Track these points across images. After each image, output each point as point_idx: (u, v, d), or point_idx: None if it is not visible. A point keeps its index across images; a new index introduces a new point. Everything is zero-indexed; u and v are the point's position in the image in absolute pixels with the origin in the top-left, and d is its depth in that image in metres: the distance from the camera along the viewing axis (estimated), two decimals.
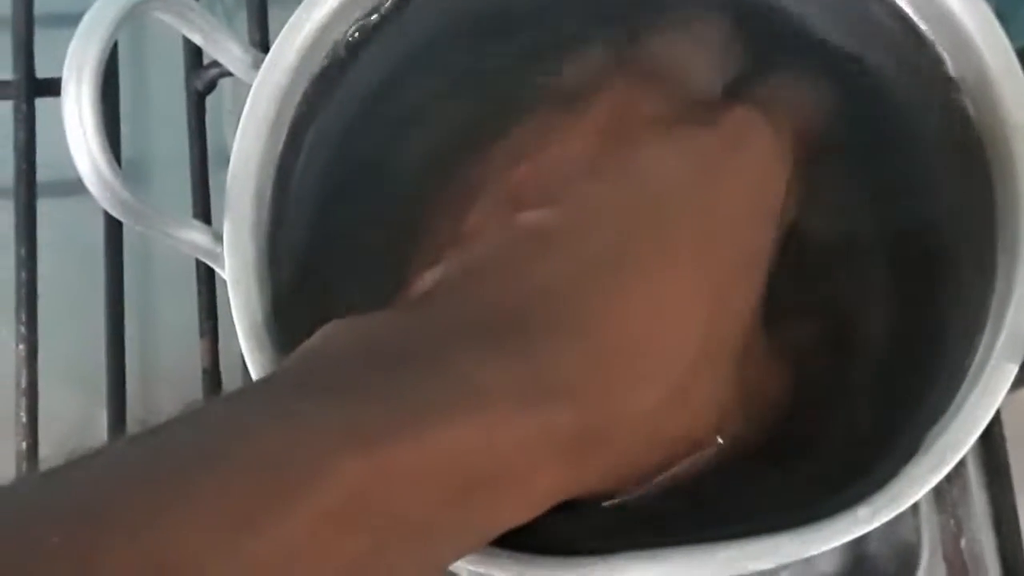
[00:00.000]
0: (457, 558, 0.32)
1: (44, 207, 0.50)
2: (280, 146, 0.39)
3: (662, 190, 0.37)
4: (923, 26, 0.39)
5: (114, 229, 0.50)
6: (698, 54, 0.41)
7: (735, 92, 0.40)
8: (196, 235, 0.38)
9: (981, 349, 0.35)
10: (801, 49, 0.41)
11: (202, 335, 0.49)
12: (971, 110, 0.38)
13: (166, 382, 0.52)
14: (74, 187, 0.35)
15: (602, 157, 0.38)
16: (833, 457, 0.37)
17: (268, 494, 0.27)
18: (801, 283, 0.38)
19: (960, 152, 0.38)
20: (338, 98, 0.40)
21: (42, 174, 0.50)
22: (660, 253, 0.36)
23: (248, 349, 0.36)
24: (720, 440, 0.36)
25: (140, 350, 0.51)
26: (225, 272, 0.37)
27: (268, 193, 0.38)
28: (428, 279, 0.36)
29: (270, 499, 0.27)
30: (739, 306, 0.37)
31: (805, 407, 0.37)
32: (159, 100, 0.56)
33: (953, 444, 0.34)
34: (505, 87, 0.41)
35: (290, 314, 0.38)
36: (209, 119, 0.52)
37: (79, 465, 0.27)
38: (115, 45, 0.34)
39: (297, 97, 0.39)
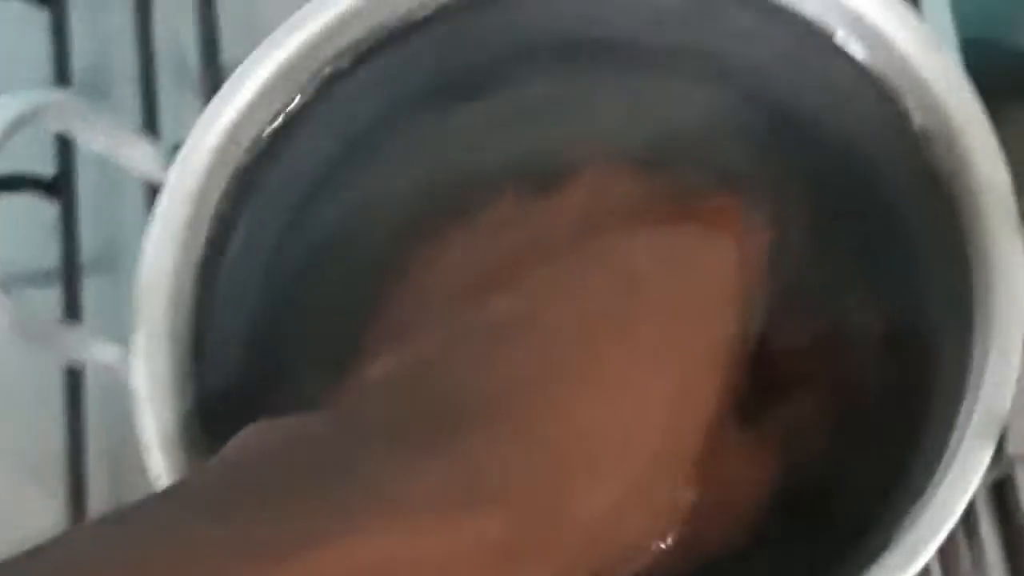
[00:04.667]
0: None
1: None
2: (200, 249, 0.37)
3: (625, 284, 0.35)
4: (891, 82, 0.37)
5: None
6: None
7: (707, 181, 0.38)
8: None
9: (956, 431, 0.33)
10: (770, 128, 0.39)
11: None
12: (942, 169, 0.36)
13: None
14: None
15: (564, 248, 0.36)
16: (807, 553, 0.35)
17: None
18: (775, 378, 0.37)
19: (934, 220, 0.36)
20: (267, 192, 0.39)
21: None
22: (618, 346, 0.34)
23: (153, 464, 0.35)
24: (669, 541, 0.34)
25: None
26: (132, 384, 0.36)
27: (187, 299, 0.37)
28: (365, 376, 0.35)
29: None
30: (701, 404, 0.35)
31: (779, 506, 0.36)
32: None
33: (925, 537, 0.31)
34: (456, 170, 0.40)
35: (218, 420, 0.36)
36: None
37: None
38: None
39: (216, 195, 0.37)
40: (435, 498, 0.30)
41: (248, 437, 0.32)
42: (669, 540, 0.34)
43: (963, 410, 0.33)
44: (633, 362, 0.34)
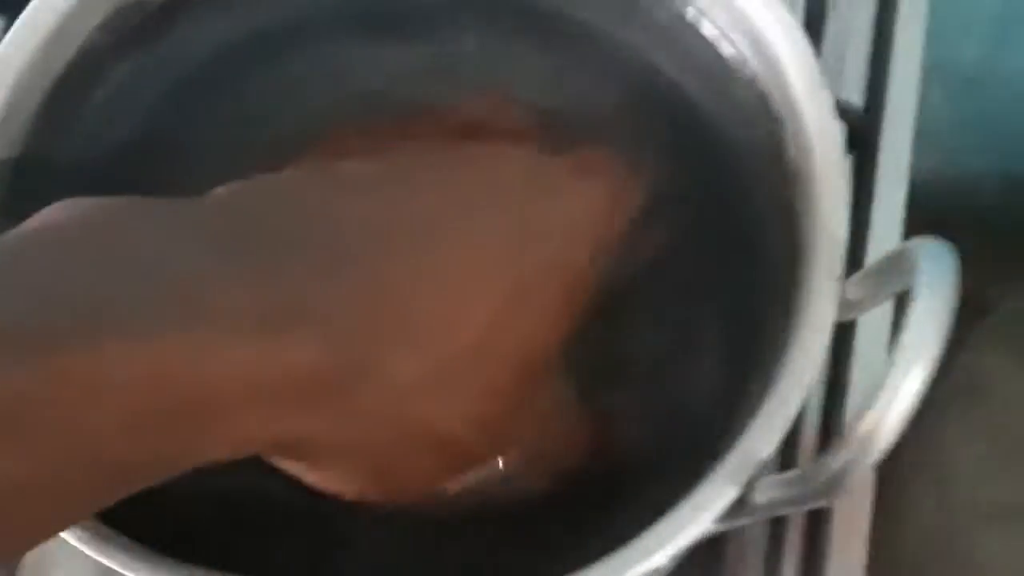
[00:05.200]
0: (141, 486, 0.29)
1: None
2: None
3: (491, 190, 0.36)
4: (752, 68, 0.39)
5: None
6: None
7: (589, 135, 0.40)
8: None
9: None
10: (658, 110, 0.41)
11: None
12: (796, 207, 0.36)
13: None
14: None
15: (447, 148, 0.37)
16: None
17: None
18: (612, 337, 0.38)
19: (781, 202, 0.37)
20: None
21: None
22: (471, 241, 0.34)
23: None
24: (500, 463, 0.35)
25: None
26: None
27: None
28: (214, 193, 0.32)
29: None
30: (532, 320, 0.35)
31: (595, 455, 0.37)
32: None
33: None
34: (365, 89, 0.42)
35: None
36: None
37: None
38: None
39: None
40: (249, 312, 0.29)
41: (61, 210, 0.29)
42: (499, 461, 0.35)
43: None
44: (480, 260, 0.34)
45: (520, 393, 0.35)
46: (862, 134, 0.52)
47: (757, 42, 0.37)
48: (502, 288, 0.34)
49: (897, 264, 0.32)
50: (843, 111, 0.49)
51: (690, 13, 0.40)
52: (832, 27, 0.53)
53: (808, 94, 0.36)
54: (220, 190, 0.32)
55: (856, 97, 0.53)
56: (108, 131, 0.40)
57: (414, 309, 0.32)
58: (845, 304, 0.34)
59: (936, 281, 0.29)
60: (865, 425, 0.29)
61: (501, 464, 0.36)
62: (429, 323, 0.32)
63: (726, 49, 0.39)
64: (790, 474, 0.32)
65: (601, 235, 0.37)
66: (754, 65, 0.38)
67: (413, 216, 0.34)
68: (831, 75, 0.53)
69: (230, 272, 0.29)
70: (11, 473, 0.25)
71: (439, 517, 0.36)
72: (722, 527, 0.34)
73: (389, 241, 0.32)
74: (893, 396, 0.29)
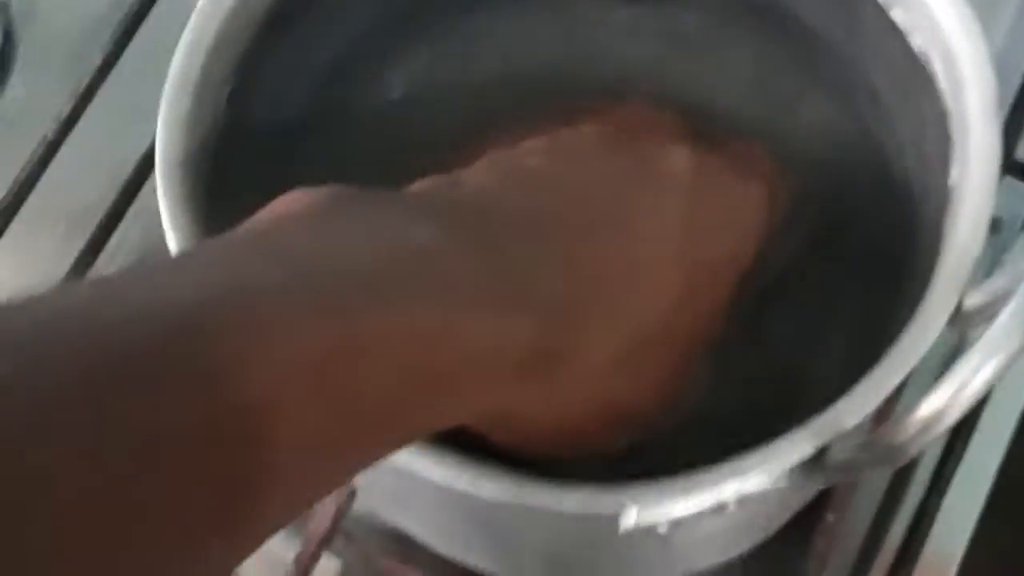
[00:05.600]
0: (394, 450, 0.31)
1: None
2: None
3: (669, 187, 0.40)
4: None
5: None
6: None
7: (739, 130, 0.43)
8: None
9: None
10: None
11: None
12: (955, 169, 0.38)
13: None
14: None
15: (621, 146, 0.41)
16: None
17: (233, 351, 0.25)
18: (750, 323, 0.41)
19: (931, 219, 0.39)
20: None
21: None
22: (651, 233, 0.38)
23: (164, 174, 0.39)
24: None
25: None
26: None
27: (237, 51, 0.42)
28: (422, 183, 0.36)
29: (235, 354, 0.25)
30: (702, 310, 0.39)
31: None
32: None
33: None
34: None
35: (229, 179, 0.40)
36: None
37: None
38: None
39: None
40: (483, 286, 0.32)
41: (304, 197, 0.32)
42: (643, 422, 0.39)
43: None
44: (662, 254, 0.38)
45: (685, 370, 0.39)
46: None
47: (949, 59, 0.39)
48: (679, 278, 0.38)
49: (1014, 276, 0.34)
50: None
51: (899, 20, 0.41)
52: None
53: (982, 119, 0.38)
54: (421, 184, 0.36)
55: None
56: (285, 99, 0.45)
57: (611, 297, 0.36)
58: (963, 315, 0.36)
59: None
60: (933, 404, 0.31)
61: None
62: (623, 310, 0.37)
63: (923, 63, 0.41)
64: (860, 440, 0.34)
65: (759, 231, 0.41)
66: (942, 82, 0.40)
67: (605, 213, 0.38)
68: None
69: (465, 253, 0.32)
70: (307, 424, 0.26)
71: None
72: (797, 484, 0.36)
73: (586, 236, 0.37)
74: (967, 380, 0.31)
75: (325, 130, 0.46)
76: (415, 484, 0.40)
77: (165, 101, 0.41)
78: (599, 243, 0.37)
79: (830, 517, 0.48)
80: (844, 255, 0.43)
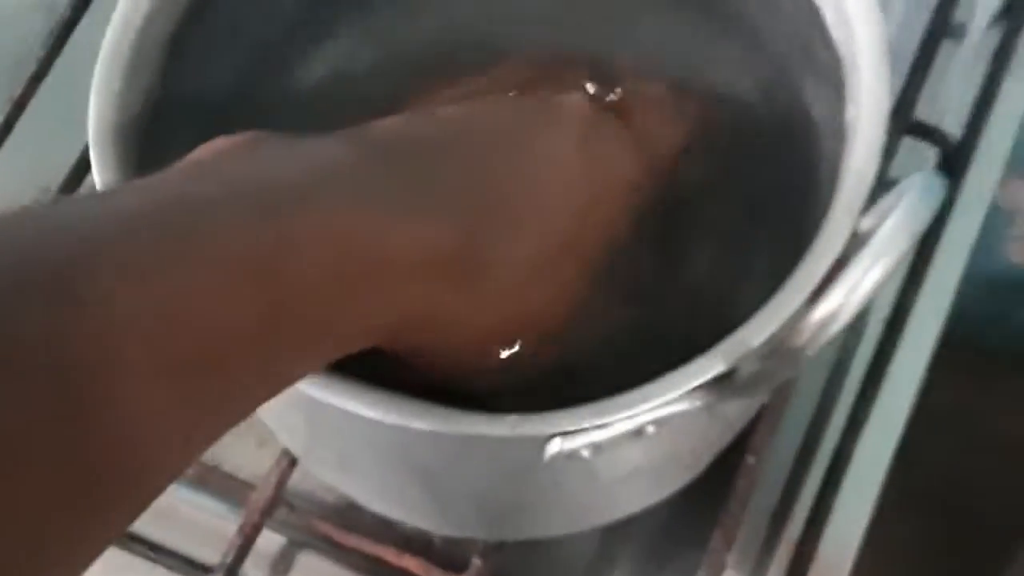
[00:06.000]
0: (321, 357, 0.34)
1: None
2: None
3: (567, 118, 0.44)
4: None
5: None
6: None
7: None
8: None
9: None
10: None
11: None
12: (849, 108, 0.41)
13: None
14: None
15: (526, 88, 0.45)
16: None
17: (175, 246, 0.28)
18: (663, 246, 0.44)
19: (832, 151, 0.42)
20: None
21: None
22: (553, 155, 0.42)
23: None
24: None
25: None
26: None
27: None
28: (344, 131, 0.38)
29: (180, 248, 0.28)
30: (601, 222, 0.43)
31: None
32: None
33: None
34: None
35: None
36: None
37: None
38: None
39: None
40: (405, 197, 0.35)
41: (232, 138, 0.35)
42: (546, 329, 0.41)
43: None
44: (564, 176, 0.42)
45: (594, 284, 0.42)
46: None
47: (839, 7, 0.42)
48: (580, 195, 0.42)
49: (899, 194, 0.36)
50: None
51: None
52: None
53: (870, 60, 0.40)
54: (347, 130, 0.38)
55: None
56: (215, 76, 0.47)
57: (519, 209, 0.40)
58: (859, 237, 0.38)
59: (919, 196, 0.34)
60: (828, 306, 0.34)
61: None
62: (530, 220, 0.40)
63: (817, 8, 0.43)
64: (763, 349, 0.36)
65: (659, 157, 0.45)
66: (834, 30, 0.42)
67: (510, 141, 0.42)
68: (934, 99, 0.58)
69: (383, 170, 0.36)
70: (245, 315, 0.29)
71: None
72: (709, 403, 0.38)
73: (492, 159, 0.41)
74: (858, 281, 0.33)
75: (256, 105, 0.47)
76: (353, 436, 0.43)
77: (97, 77, 0.42)
78: (505, 165, 0.40)
79: (750, 459, 0.51)
80: (753, 189, 0.45)
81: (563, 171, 0.42)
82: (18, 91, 0.61)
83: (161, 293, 0.27)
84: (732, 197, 0.45)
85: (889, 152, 0.53)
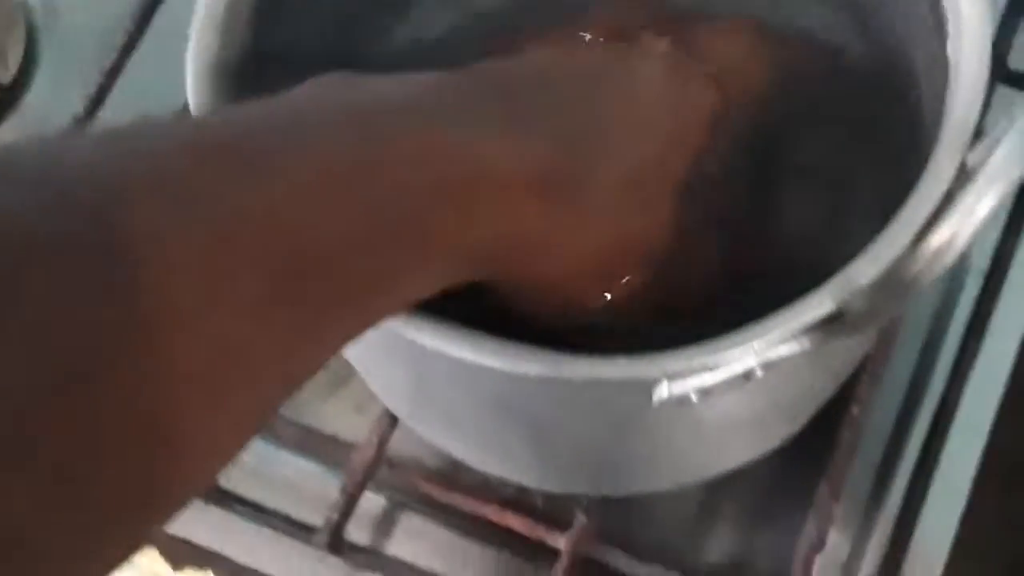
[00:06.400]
0: (433, 279, 0.34)
1: None
2: None
3: (650, 61, 0.45)
4: None
5: None
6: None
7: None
8: None
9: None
10: None
11: None
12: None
13: None
14: None
15: (609, 39, 0.46)
16: None
17: (279, 150, 0.29)
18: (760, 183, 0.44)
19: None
20: None
21: None
22: (642, 98, 0.43)
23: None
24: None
25: None
26: None
27: None
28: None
29: (283, 152, 0.29)
30: (691, 153, 0.43)
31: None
32: None
33: None
34: None
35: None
36: None
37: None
38: None
39: None
40: (494, 121, 0.36)
41: (331, 76, 0.35)
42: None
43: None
44: (650, 111, 0.43)
45: (683, 212, 0.42)
46: None
47: None
48: (668, 126, 0.43)
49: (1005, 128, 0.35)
50: None
51: None
52: None
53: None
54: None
55: None
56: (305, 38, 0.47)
57: (614, 135, 0.41)
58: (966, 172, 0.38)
59: None
60: (943, 233, 0.33)
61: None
62: (624, 145, 0.41)
63: None
64: (871, 283, 0.36)
65: (736, 98, 0.45)
66: None
67: (599, 79, 0.43)
68: None
69: (477, 94, 0.37)
70: (346, 218, 0.30)
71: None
72: (820, 343, 0.38)
73: (584, 92, 0.42)
74: (968, 212, 0.33)
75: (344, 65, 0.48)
76: (458, 389, 0.43)
77: (194, 34, 0.43)
78: (596, 96, 0.42)
79: (855, 409, 0.50)
80: (849, 126, 0.45)
81: (650, 106, 0.43)
82: (108, 62, 0.61)
83: (267, 196, 0.28)
84: (828, 134, 0.45)
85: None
